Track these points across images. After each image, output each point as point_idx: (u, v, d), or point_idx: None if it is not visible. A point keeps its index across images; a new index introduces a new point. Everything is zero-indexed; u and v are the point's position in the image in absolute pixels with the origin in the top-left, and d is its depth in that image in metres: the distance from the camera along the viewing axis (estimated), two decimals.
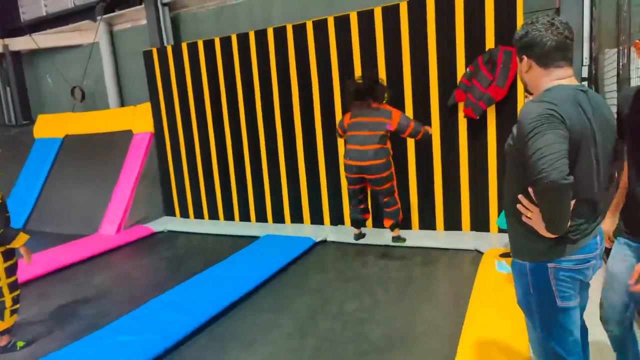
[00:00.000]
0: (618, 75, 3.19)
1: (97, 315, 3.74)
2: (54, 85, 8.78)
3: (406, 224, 5.24)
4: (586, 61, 4.53)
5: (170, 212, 6.99)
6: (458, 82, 4.67)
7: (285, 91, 5.72)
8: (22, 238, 3.15)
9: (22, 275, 3.68)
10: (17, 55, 8.83)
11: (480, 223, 4.91)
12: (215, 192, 6.54)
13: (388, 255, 4.60)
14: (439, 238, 4.87)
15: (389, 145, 4.12)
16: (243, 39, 5.87)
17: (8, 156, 7.69)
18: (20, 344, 3.33)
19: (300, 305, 3.64)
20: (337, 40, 5.29)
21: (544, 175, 1.42)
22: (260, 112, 5.96)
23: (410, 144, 5.09)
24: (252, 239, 5.48)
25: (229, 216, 6.50)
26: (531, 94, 1.77)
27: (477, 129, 4.75)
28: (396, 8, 4.92)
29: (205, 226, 6.34)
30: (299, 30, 5.49)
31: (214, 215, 6.62)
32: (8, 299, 3.20)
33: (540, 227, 1.57)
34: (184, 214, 6.87)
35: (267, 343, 3.09)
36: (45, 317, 3.80)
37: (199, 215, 6.75)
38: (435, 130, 4.92)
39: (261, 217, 6.25)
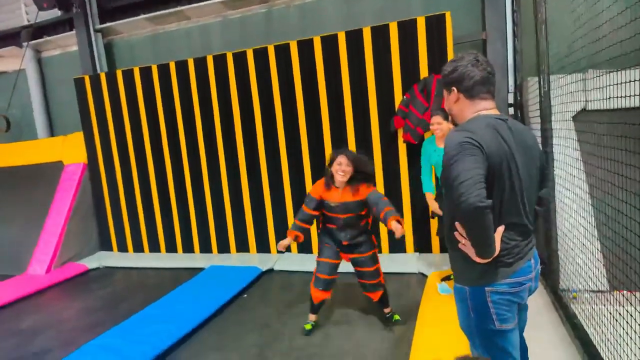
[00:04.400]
0: (541, 101, 3.46)
1: None
2: None
3: None
4: (511, 88, 4.88)
5: (106, 246, 6.57)
6: (396, 109, 4.85)
7: (226, 118, 5.65)
8: None
9: None
10: None
11: (423, 244, 5.04)
12: (156, 224, 6.25)
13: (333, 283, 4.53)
14: (383, 261, 4.90)
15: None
16: (182, 66, 5.76)
17: None
18: None
19: (248, 342, 3.51)
20: (278, 68, 5.33)
21: (463, 199, 1.49)
22: (201, 140, 5.82)
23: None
24: (197, 270, 5.27)
25: (171, 248, 6.22)
26: (456, 124, 1.86)
27: (416, 153, 4.92)
28: (335, 38, 5.05)
29: (146, 260, 6.02)
30: (239, 57, 5.48)
31: (155, 248, 6.31)
32: None
33: (471, 253, 1.63)
34: (122, 248, 6.49)
35: None
36: None
37: (138, 248, 6.40)
38: (377, 155, 5.05)
39: (205, 248, 6.03)
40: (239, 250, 5.87)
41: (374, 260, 3.44)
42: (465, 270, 1.72)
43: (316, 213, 3.40)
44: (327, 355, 3.20)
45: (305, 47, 5.18)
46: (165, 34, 6.52)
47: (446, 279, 3.95)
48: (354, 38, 4.98)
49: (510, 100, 4.87)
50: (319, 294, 3.45)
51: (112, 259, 6.18)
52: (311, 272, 4.71)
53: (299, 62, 5.23)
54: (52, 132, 7.37)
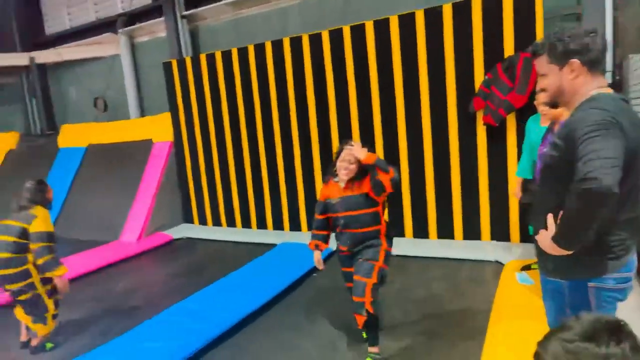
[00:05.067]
0: None
1: (119, 320, 3.80)
2: (77, 96, 9.02)
3: (423, 233, 5.20)
4: (610, 67, 4.43)
5: (188, 219, 7.08)
6: (476, 89, 4.63)
7: (301, 99, 5.76)
8: (62, 270, 3.28)
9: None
10: (42, 67, 9.11)
11: (500, 232, 4.83)
12: (233, 200, 6.60)
13: (405, 268, 4.48)
14: (456, 247, 4.80)
15: None
16: (259, 48, 5.94)
17: (34, 165, 7.95)
18: (49, 345, 3.44)
19: (320, 327, 3.44)
20: (354, 49, 5.31)
21: (593, 177, 1.31)
22: (277, 121, 6.00)
23: (429, 150, 5.05)
24: (269, 246, 5.51)
25: (246, 224, 6.55)
26: (555, 106, 1.71)
27: (496, 136, 4.69)
28: (412, 16, 4.91)
29: (223, 233, 6.40)
30: (315, 39, 5.53)
31: (231, 223, 6.68)
32: (50, 304, 3.34)
33: (546, 242, 1.49)
34: (202, 221, 6.95)
35: None
36: (70, 321, 3.87)
37: (216, 222, 6.81)
38: (453, 137, 4.88)
39: (278, 225, 6.27)
40: (310, 228, 6.01)
41: (367, 273, 2.72)
42: (565, 262, 1.53)
43: (324, 217, 2.96)
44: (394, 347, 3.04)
45: (381, 27, 5.09)
46: (245, 19, 6.74)
47: (526, 268, 3.76)
48: (433, 16, 4.80)
49: (609, 80, 4.43)
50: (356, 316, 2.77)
51: (194, 230, 6.65)
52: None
53: (374, 42, 5.17)
54: (142, 113, 7.99)
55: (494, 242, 4.82)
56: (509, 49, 4.49)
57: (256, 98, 6.10)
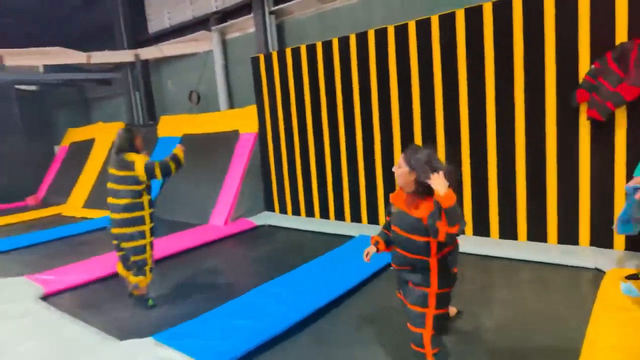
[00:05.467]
0: None
1: (207, 298, 4.10)
2: (174, 90, 9.79)
3: (512, 234, 4.91)
4: None
5: (270, 207, 7.38)
6: (581, 80, 4.24)
7: (384, 93, 5.70)
8: (178, 149, 3.83)
9: None
10: (145, 63, 10.01)
11: (602, 237, 4.40)
12: (312, 191, 6.75)
13: (489, 269, 4.31)
14: (550, 252, 4.47)
15: None
16: (344, 42, 5.97)
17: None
18: (150, 301, 3.83)
19: (400, 320, 3.24)
20: (441, 40, 5.13)
21: None
22: (358, 114, 6.01)
23: (521, 145, 4.74)
24: (346, 238, 5.56)
25: (324, 214, 6.67)
26: None
27: (602, 132, 4.26)
28: (508, 3, 4.61)
29: (302, 223, 6.58)
30: (400, 31, 5.43)
31: (310, 213, 6.84)
32: (149, 256, 3.75)
33: None
34: (283, 210, 7.20)
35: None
36: (164, 296, 4.24)
37: (296, 212, 7.03)
38: (550, 132, 4.53)
39: (356, 217, 6.30)
40: None
41: (420, 322, 2.38)
42: None
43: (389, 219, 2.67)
44: (479, 350, 2.91)
45: (473, 15, 4.85)
46: (330, 12, 6.82)
47: (632, 277, 3.40)
48: (531, 1, 4.47)
49: None
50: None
51: (274, 218, 6.93)
52: (465, 253, 4.61)
53: (464, 31, 4.94)
54: (231, 105, 8.46)
55: (594, 247, 4.41)
56: (621, 35, 4.04)
57: (339, 91, 6.16)
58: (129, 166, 3.63)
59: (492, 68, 4.81)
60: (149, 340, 3.13)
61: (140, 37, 10.02)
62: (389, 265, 4.37)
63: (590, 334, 2.82)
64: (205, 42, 8.59)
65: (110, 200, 3.72)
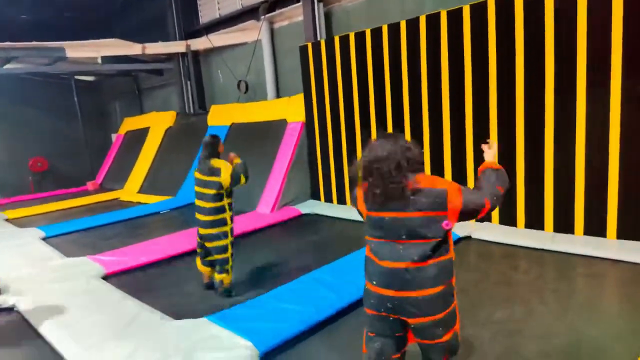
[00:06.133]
0: None
1: (254, 283, 4.22)
2: (223, 79, 10.01)
3: (568, 228, 4.68)
4: None
5: (315, 196, 7.43)
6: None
7: (435, 81, 5.54)
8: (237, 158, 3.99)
9: (193, 243, 4.35)
10: (195, 53, 10.29)
11: None
12: None
13: (542, 262, 4.17)
14: (609, 247, 4.22)
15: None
16: (394, 28, 5.85)
17: (187, 141, 9.12)
18: (233, 293, 3.98)
19: None
20: (497, 26, 4.89)
21: None
22: (407, 102, 5.89)
23: (581, 132, 4.47)
24: None
25: None
26: None
27: None
28: None
29: (347, 212, 6.57)
30: (455, 15, 5.23)
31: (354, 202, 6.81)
32: (230, 254, 3.94)
33: None
34: (328, 199, 7.23)
35: None
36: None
37: (341, 201, 7.03)
38: (614, 120, 4.24)
39: None
40: None
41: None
42: None
43: None
44: (530, 334, 2.93)
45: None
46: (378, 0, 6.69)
47: None
48: None
49: None
50: None
51: (320, 207, 6.97)
52: (512, 245, 4.47)
53: (522, 16, 4.69)
54: (278, 94, 8.54)
55: None
56: None
57: (387, 79, 6.05)
58: (216, 172, 3.83)
59: (552, 54, 4.54)
60: (202, 321, 3.27)
61: (192, 27, 10.30)
62: None
63: None
64: (253, 32, 8.69)
65: (197, 202, 3.97)
